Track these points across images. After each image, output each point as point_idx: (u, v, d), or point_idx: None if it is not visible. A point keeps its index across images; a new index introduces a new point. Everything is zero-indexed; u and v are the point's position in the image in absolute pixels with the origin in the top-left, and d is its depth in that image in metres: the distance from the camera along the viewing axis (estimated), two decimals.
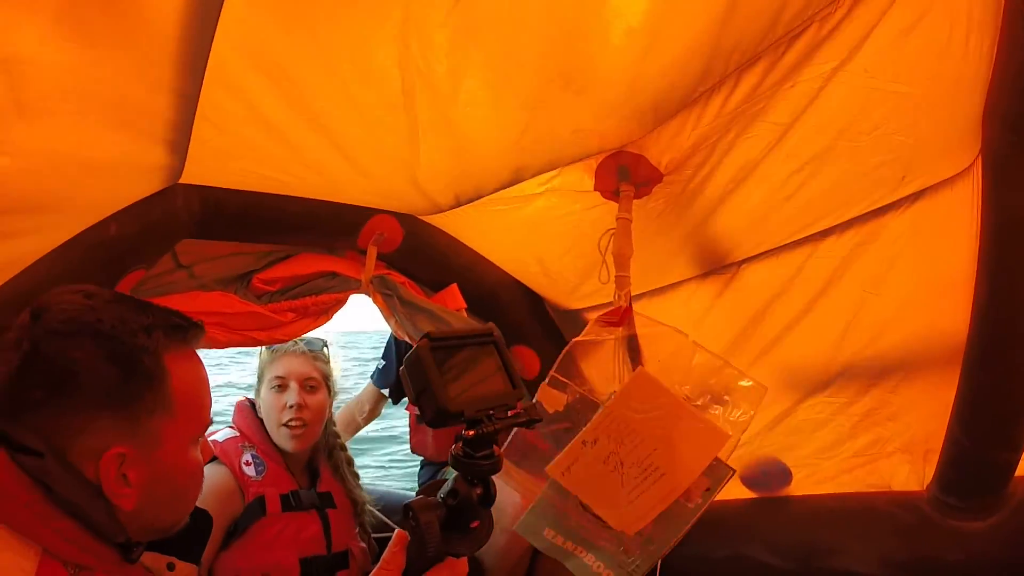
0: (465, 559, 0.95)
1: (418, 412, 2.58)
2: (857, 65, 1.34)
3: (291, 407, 2.10)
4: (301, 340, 2.21)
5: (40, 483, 0.96)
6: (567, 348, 1.54)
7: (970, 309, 1.58)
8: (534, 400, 1.52)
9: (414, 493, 3.16)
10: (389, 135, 1.38)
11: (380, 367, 3.19)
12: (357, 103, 1.29)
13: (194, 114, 1.24)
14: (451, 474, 0.98)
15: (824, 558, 1.95)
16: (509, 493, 2.18)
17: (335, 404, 2.33)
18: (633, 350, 1.58)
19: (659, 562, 1.54)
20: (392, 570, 0.94)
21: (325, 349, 2.29)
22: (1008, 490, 1.73)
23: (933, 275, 1.66)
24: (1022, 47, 1.21)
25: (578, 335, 2.18)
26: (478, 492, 0.90)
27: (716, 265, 1.89)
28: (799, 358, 1.88)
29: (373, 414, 3.28)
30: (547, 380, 1.51)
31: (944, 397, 1.71)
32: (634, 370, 1.52)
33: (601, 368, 1.57)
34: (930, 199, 1.60)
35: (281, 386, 2.15)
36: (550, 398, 1.50)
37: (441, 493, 0.91)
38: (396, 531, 0.95)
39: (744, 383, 1.48)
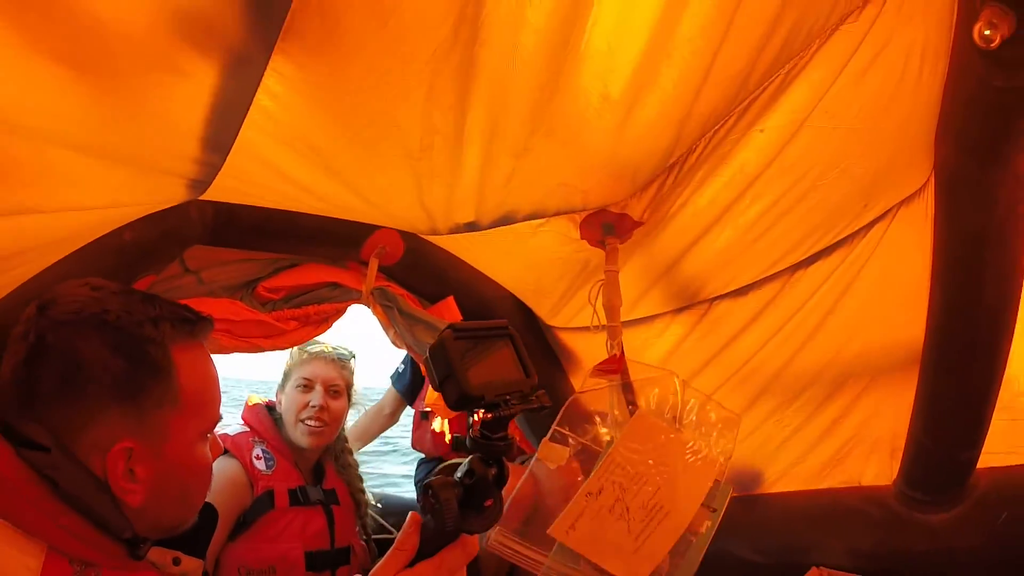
0: (476, 537, 0.98)
1: (434, 400, 2.67)
2: (820, 109, 1.38)
3: (313, 407, 2.21)
4: (332, 348, 2.34)
5: (46, 478, 0.95)
6: (568, 403, 1.55)
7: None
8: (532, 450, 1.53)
9: (413, 492, 3.23)
10: (407, 179, 1.43)
11: (399, 371, 3.31)
12: (379, 157, 1.33)
13: (218, 172, 1.29)
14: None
15: (802, 554, 2.00)
16: None
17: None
18: (628, 394, 1.62)
19: None
20: (407, 551, 0.94)
21: (352, 360, 2.40)
22: (970, 482, 1.76)
23: (892, 288, 1.70)
24: (971, 74, 1.24)
25: (560, 350, 2.25)
26: (493, 472, 0.94)
27: (688, 302, 1.95)
28: (766, 375, 1.94)
29: (394, 416, 3.40)
30: (549, 435, 1.50)
31: (907, 397, 1.75)
32: (631, 414, 1.54)
33: (599, 416, 1.58)
34: (886, 220, 1.64)
35: (307, 387, 2.26)
36: (553, 454, 1.47)
37: (458, 473, 0.94)
38: (410, 514, 0.98)
39: (725, 414, 1.52)
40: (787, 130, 1.43)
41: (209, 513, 1.21)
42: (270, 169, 1.33)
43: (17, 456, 0.95)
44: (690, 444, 1.47)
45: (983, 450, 1.70)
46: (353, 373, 2.42)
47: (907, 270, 1.62)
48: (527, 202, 1.58)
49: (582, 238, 1.76)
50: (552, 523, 1.41)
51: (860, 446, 1.95)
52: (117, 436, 1.00)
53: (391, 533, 2.59)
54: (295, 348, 2.34)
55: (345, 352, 2.40)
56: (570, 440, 1.49)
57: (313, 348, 2.33)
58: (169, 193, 1.37)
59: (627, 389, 1.63)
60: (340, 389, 2.33)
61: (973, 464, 1.73)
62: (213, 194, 1.47)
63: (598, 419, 1.56)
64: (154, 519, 1.06)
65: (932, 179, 1.49)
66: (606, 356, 1.68)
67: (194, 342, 1.12)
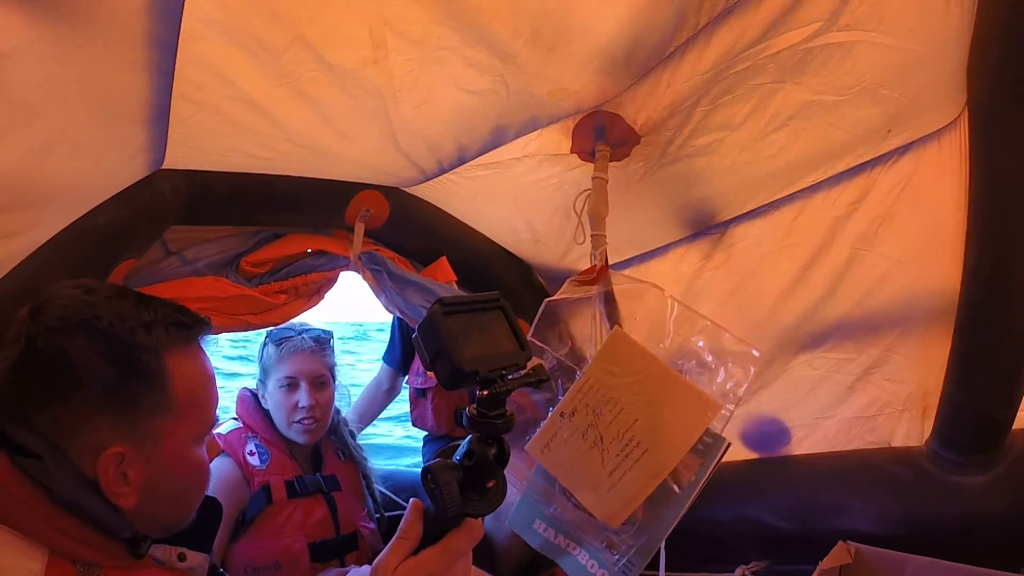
0: (480, 521, 0.95)
1: (433, 375, 2.62)
2: (840, 22, 1.31)
3: (303, 407, 2.12)
4: (309, 337, 2.23)
5: (41, 484, 0.94)
6: (541, 308, 1.42)
7: (961, 265, 1.57)
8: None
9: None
10: (365, 94, 1.35)
11: (389, 345, 3.25)
12: (330, 65, 1.26)
13: (171, 92, 1.23)
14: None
15: (825, 518, 1.95)
16: (515, 478, 2.18)
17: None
18: (610, 308, 1.49)
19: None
20: (410, 539, 0.92)
21: (331, 342, 2.30)
22: (1006, 444, 1.74)
23: (924, 230, 1.64)
24: (1004, 2, 1.19)
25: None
26: (493, 452, 0.90)
27: (704, 226, 1.88)
28: (793, 315, 1.87)
29: (393, 392, 3.33)
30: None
31: (940, 353, 1.70)
32: (611, 330, 1.38)
33: (579, 330, 1.47)
34: (917, 154, 1.59)
35: (291, 385, 2.16)
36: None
37: (457, 455, 0.91)
38: (411, 501, 0.96)
39: (734, 346, 1.32)
40: (805, 42, 1.35)
41: (213, 507, 1.19)
42: (223, 81, 1.26)
43: (12, 464, 0.95)
44: (682, 376, 1.29)
45: (1020, 409, 1.67)
46: (334, 353, 2.32)
47: (943, 212, 1.57)
48: (516, 117, 1.49)
49: (573, 151, 1.66)
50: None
51: (891, 404, 1.89)
52: (108, 441, 0.98)
53: (405, 508, 2.51)
54: (270, 344, 2.25)
55: (322, 335, 2.30)
56: (546, 353, 1.38)
57: (289, 340, 2.24)
58: (124, 130, 1.30)
59: (609, 303, 1.50)
60: (325, 379, 2.23)
61: (1009, 423, 1.70)
62: (177, 156, 1.43)
63: (576, 334, 1.46)
64: (150, 519, 1.04)
65: (966, 115, 1.45)
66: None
67: (189, 346, 1.09)
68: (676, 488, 1.26)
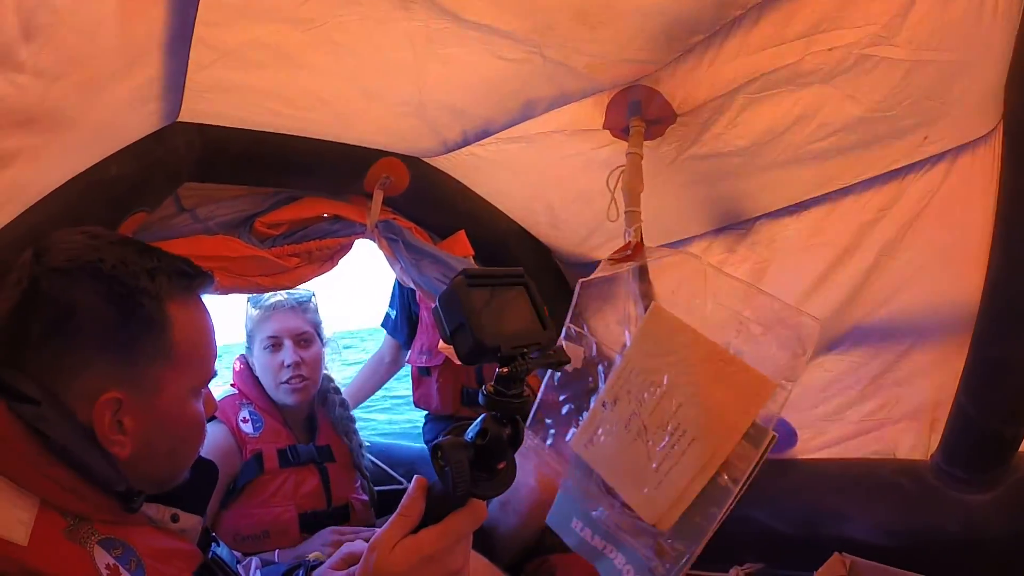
0: (485, 504, 0.93)
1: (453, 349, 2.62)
2: (902, 37, 1.29)
3: (288, 365, 2.11)
4: (288, 295, 2.22)
5: (37, 432, 0.95)
6: (577, 291, 1.33)
7: (983, 278, 1.54)
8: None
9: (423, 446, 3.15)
10: (394, 44, 1.32)
11: (389, 316, 3.21)
12: (362, 10, 1.23)
13: (189, 37, 1.21)
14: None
15: (827, 525, 1.92)
16: (524, 475, 2.15)
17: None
18: (644, 285, 1.39)
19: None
20: (411, 516, 0.91)
21: (313, 300, 2.29)
22: (1012, 463, 1.70)
23: (949, 241, 1.62)
24: None
25: None
26: (507, 432, 0.88)
27: (731, 221, 1.85)
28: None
29: (396, 364, 3.31)
30: (562, 334, 1.30)
31: (953, 366, 1.67)
32: (647, 307, 1.26)
33: (616, 311, 1.36)
34: (950, 163, 1.56)
35: (275, 345, 2.16)
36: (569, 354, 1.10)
37: (469, 433, 0.89)
38: (415, 477, 0.94)
39: (788, 315, 1.14)
40: (852, 48, 1.32)
41: (208, 469, 1.20)
42: (247, 22, 1.23)
43: (8, 410, 0.96)
44: (728, 351, 1.14)
45: None
46: (317, 312, 2.31)
47: (969, 223, 1.53)
48: (548, 90, 1.46)
49: (606, 126, 1.60)
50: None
51: (899, 412, 1.87)
52: (105, 386, 0.99)
53: (400, 484, 2.53)
54: (250, 307, 2.26)
55: (303, 294, 2.29)
56: (585, 339, 1.29)
57: (268, 300, 2.23)
58: (140, 67, 1.26)
59: (643, 279, 1.39)
60: (310, 336, 2.23)
61: (1017, 442, 1.66)
62: (194, 108, 1.41)
63: (613, 316, 1.36)
64: (144, 473, 1.05)
65: (1000, 126, 1.42)
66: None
67: (191, 296, 1.11)
68: (728, 482, 1.14)
